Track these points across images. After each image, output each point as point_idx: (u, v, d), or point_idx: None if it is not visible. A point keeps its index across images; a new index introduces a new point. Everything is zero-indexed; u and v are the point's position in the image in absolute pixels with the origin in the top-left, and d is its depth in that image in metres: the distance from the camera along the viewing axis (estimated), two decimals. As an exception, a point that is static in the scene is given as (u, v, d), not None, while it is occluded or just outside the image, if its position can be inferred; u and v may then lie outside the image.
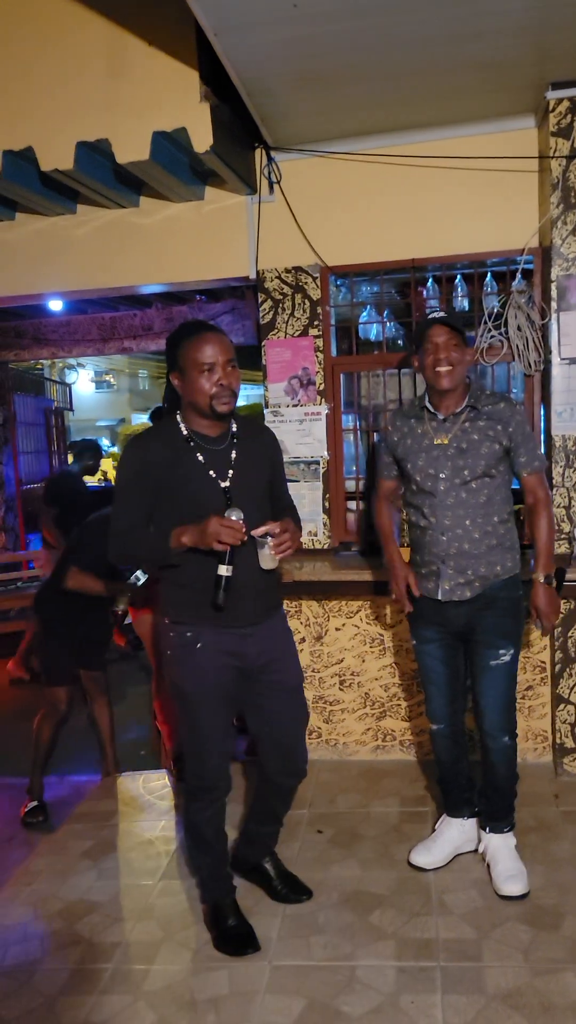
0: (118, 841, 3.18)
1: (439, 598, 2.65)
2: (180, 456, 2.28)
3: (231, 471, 2.29)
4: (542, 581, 2.64)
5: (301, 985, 2.28)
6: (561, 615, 3.07)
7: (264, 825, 2.66)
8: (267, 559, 2.28)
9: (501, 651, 2.63)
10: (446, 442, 2.61)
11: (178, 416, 2.34)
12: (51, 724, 3.50)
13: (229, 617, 2.30)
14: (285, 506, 2.54)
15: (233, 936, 2.45)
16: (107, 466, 16.87)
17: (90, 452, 5.69)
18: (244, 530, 2.18)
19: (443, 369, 2.56)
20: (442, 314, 2.62)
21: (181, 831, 3.20)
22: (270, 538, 2.24)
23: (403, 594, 2.78)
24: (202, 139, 3.03)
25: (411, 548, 2.78)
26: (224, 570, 2.19)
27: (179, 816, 3.33)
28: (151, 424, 6.36)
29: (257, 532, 2.24)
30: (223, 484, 2.27)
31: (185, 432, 2.30)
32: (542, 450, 3.51)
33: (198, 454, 2.29)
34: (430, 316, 2.63)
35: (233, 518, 2.18)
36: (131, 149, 3.09)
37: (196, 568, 2.25)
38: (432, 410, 2.66)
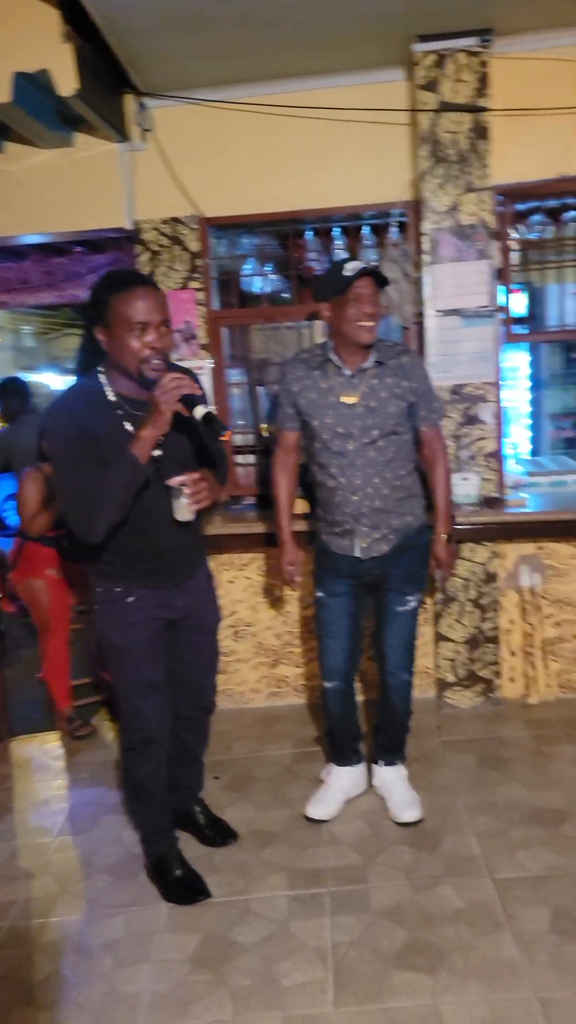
0: (13, 803, 3.17)
1: (357, 555, 2.65)
2: (109, 424, 2.13)
3: (161, 437, 2.10)
4: (444, 539, 2.74)
5: (196, 922, 2.37)
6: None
7: (185, 767, 2.69)
8: (182, 510, 2.17)
9: (409, 597, 2.72)
10: (355, 400, 2.53)
11: (102, 376, 2.18)
12: None
13: (159, 580, 2.31)
14: (215, 455, 2.38)
15: (183, 886, 2.49)
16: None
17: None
18: (181, 376, 2.04)
19: (368, 324, 2.45)
20: (367, 265, 2.46)
21: (76, 789, 3.22)
22: (185, 488, 2.15)
23: (290, 577, 2.83)
24: (66, 82, 2.91)
25: (320, 507, 2.72)
26: (201, 409, 2.04)
27: (73, 775, 3.35)
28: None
29: (173, 481, 2.14)
30: (155, 453, 2.12)
31: (113, 398, 2.15)
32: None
33: (126, 423, 2.13)
34: (352, 265, 2.44)
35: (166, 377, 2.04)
36: (-9, 91, 2.94)
37: (128, 537, 2.21)
38: (338, 364, 2.57)
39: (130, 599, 2.29)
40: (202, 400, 2.09)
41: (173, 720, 2.54)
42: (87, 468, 2.07)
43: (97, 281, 2.18)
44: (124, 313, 2.05)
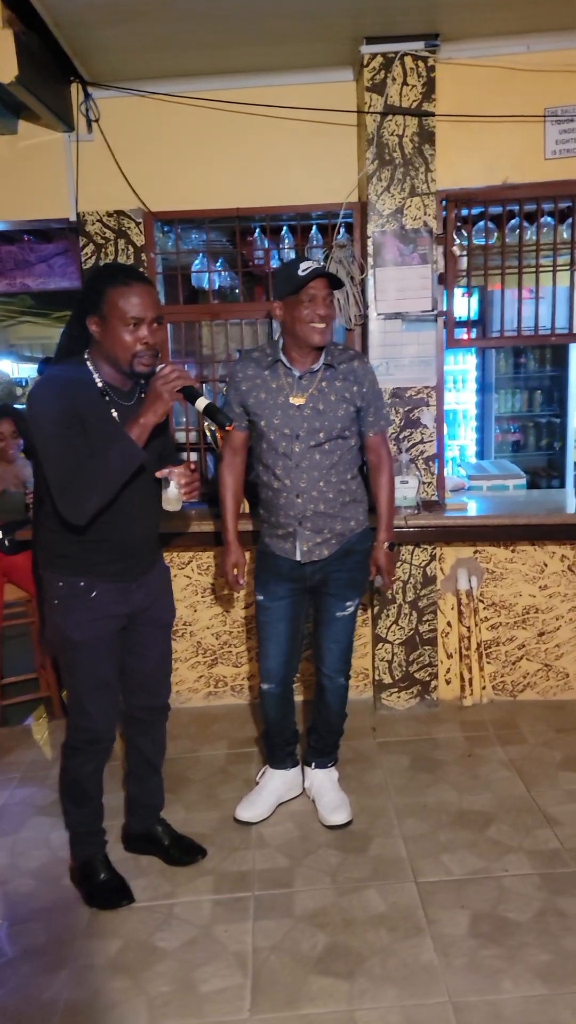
0: None
1: (298, 559, 2.65)
2: (97, 410, 2.17)
3: None
4: (385, 548, 2.74)
5: (119, 927, 2.35)
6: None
7: (143, 781, 2.65)
8: (172, 500, 2.21)
9: (348, 603, 2.72)
10: (303, 402, 2.54)
11: (89, 363, 2.20)
12: None
13: (120, 573, 2.30)
14: (173, 453, 2.47)
15: (107, 890, 2.46)
16: None
17: None
18: (181, 367, 2.12)
19: (320, 326, 2.46)
20: (321, 266, 2.49)
21: (6, 789, 3.17)
22: (173, 480, 2.19)
23: (234, 579, 2.81)
24: (6, 68, 2.84)
25: (263, 508, 2.72)
26: (203, 401, 2.10)
27: (3, 775, 3.29)
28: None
29: (161, 473, 2.19)
30: None
31: (100, 384, 2.18)
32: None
33: (112, 410, 2.18)
34: (306, 265, 2.45)
35: (158, 369, 2.14)
36: None
37: (98, 525, 2.19)
38: (288, 365, 2.58)
39: (94, 594, 2.27)
40: (201, 393, 2.13)
41: (127, 725, 2.52)
42: (77, 448, 2.09)
43: (94, 271, 2.25)
44: (121, 307, 2.09)
